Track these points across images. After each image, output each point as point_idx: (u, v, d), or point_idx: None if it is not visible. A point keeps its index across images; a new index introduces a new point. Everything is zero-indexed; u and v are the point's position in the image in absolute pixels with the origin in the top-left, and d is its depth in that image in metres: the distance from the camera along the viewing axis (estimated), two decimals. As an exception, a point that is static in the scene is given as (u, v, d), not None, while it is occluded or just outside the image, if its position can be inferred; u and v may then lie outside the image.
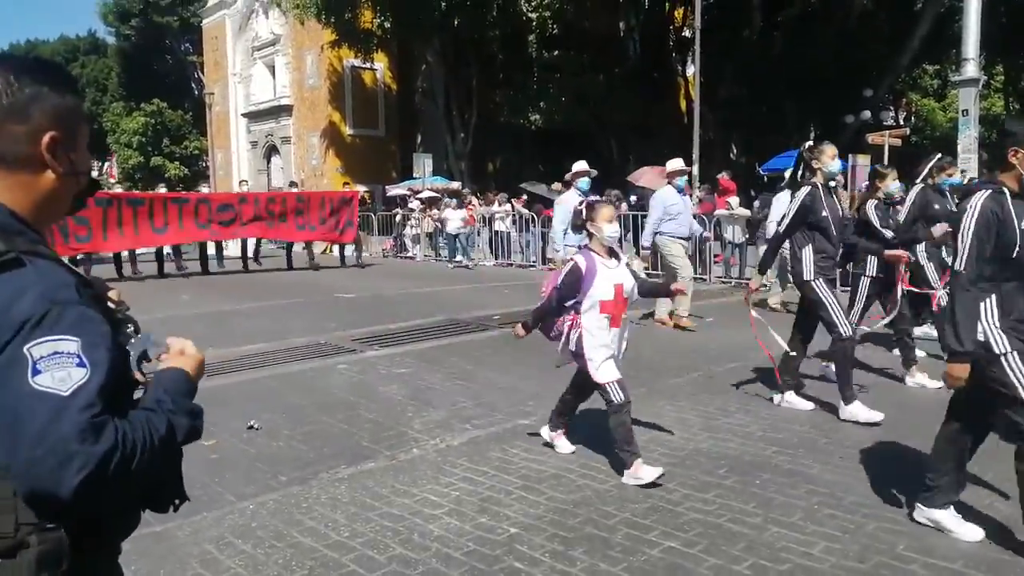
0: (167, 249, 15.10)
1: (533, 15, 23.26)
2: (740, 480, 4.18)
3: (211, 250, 15.91)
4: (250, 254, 16.73)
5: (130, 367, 1.25)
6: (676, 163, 9.59)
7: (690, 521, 3.67)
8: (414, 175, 24.51)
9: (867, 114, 23.21)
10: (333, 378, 6.77)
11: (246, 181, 18.87)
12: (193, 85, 45.22)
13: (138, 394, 1.28)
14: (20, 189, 1.19)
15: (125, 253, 14.80)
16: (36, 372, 1.05)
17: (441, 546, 3.49)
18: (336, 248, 17.58)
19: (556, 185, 18.05)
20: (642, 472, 4.07)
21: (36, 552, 1.08)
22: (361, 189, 21.61)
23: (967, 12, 13.66)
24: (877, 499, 3.91)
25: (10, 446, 1.05)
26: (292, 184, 18.31)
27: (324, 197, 16.93)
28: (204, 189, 16.13)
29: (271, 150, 36.13)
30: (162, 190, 17.65)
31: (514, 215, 17.39)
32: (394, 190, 26.53)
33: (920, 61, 29.07)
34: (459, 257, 17.50)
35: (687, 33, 28.21)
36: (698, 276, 13.57)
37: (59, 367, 1.06)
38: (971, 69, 14.00)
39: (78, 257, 13.05)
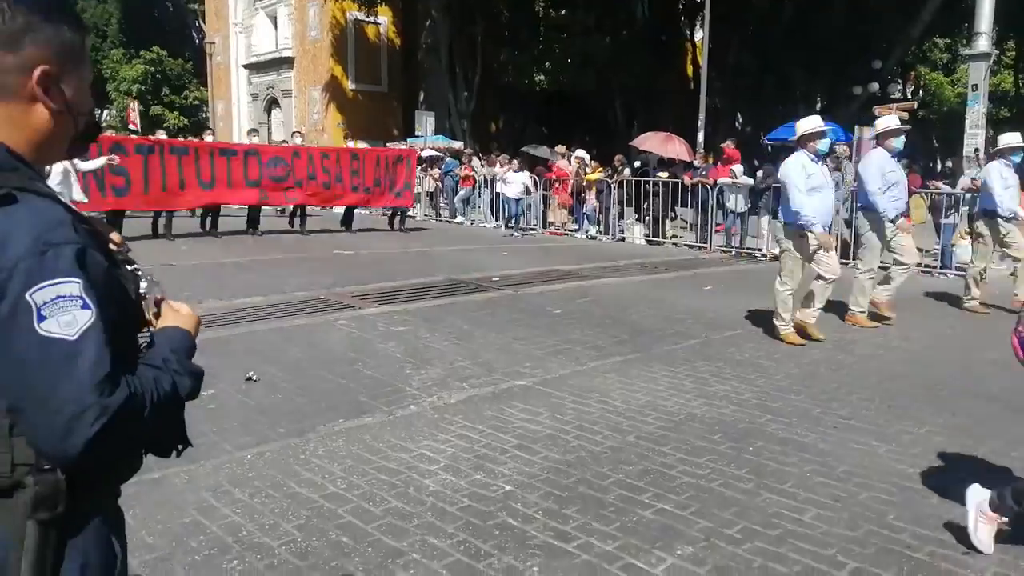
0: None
1: (541, -28, 22.90)
2: (734, 446, 4.22)
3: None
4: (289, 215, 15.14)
5: (131, 307, 1.22)
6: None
7: (683, 484, 3.71)
8: (416, 133, 24.31)
9: (875, 86, 23.00)
10: (332, 333, 6.78)
11: (256, 131, 17.18)
12: (194, 34, 44.56)
13: (143, 338, 1.26)
14: (12, 124, 1.14)
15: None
16: (41, 318, 1.02)
17: (436, 501, 3.52)
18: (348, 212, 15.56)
19: (560, 148, 17.92)
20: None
21: (32, 493, 1.07)
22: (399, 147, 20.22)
23: (982, -15, 13.44)
24: (869, 469, 3.95)
25: (20, 393, 1.04)
26: (295, 134, 16.54)
27: (379, 155, 15.40)
28: (208, 138, 14.57)
29: (272, 103, 35.77)
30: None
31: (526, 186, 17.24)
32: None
33: (930, 34, 28.71)
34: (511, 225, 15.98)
35: (696, -3, 27.81)
36: (699, 244, 13.58)
37: (64, 311, 1.03)
38: (983, 43, 13.83)
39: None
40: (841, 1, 23.10)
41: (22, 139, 1.15)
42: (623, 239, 14.75)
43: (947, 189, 11.48)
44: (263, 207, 14.17)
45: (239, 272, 9.97)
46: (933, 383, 5.58)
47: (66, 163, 7.73)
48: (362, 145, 17.08)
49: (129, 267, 1.25)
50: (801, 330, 6.76)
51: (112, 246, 1.25)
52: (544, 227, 16.39)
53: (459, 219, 17.93)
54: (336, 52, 31.85)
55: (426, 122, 23.13)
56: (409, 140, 26.05)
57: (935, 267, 11.16)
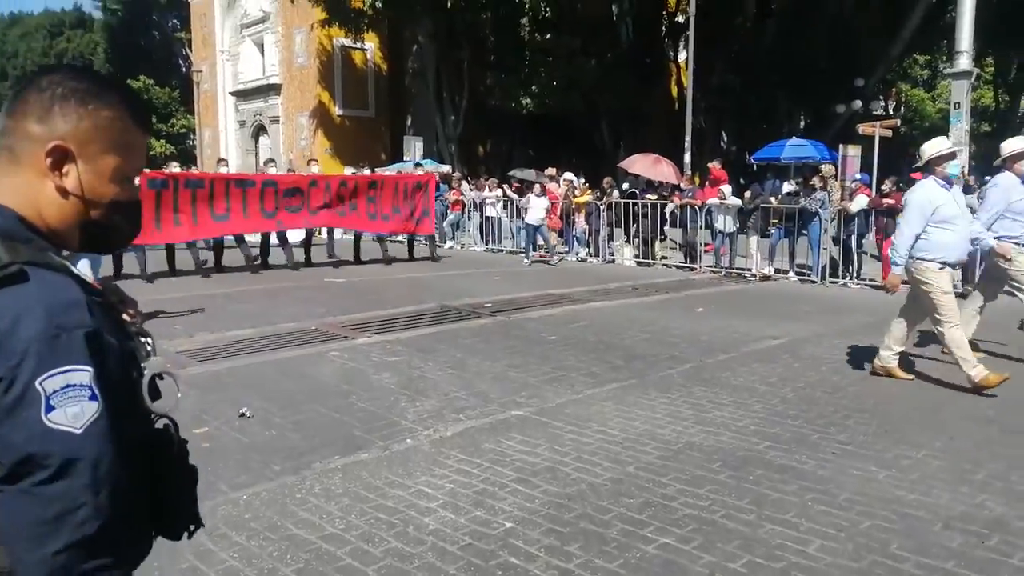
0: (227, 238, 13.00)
1: (526, -2, 23.14)
2: (734, 475, 4.20)
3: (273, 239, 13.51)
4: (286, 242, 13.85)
5: (140, 381, 1.17)
6: (1017, 143, 6.76)
7: (685, 517, 3.68)
8: (404, 158, 24.37)
9: (858, 104, 23.29)
10: (325, 365, 6.73)
11: (273, 160, 16.10)
12: (180, 62, 44.66)
13: (159, 423, 1.22)
14: (31, 195, 1.12)
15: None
16: (49, 409, 0.99)
17: (436, 540, 3.48)
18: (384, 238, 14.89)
19: (549, 170, 18.00)
20: None
21: None
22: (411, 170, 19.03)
23: (961, 4, 13.66)
24: (870, 496, 3.94)
25: (10, 481, 0.99)
26: (269, 162, 15.37)
27: (398, 182, 14.79)
28: (224, 169, 14.00)
29: (259, 129, 35.80)
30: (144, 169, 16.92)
31: (505, 200, 17.33)
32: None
33: (911, 51, 29.13)
34: (534, 251, 15.06)
35: (680, 19, 28.13)
36: (688, 266, 13.63)
37: (72, 402, 1.00)
38: (964, 62, 14.03)
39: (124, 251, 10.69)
40: (823, 21, 23.42)
41: (36, 209, 1.13)
42: (613, 261, 14.79)
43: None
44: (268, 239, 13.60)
45: (229, 303, 9.91)
46: (929, 406, 5.58)
47: None
48: (349, 171, 16.76)
49: (144, 342, 1.21)
50: (886, 369, 6.25)
51: (126, 316, 1.21)
52: (534, 250, 16.42)
53: (448, 244, 17.92)
54: (323, 78, 31.96)
55: (414, 147, 23.20)
56: (396, 164, 26.14)
57: (924, 284, 11.21)
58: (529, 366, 6.67)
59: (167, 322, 8.38)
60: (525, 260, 14.86)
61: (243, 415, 5.27)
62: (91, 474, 1.01)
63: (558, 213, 16.19)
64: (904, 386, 6.09)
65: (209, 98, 37.19)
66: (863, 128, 17.61)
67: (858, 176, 13.70)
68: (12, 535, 1.00)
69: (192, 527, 1.29)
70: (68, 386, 1.00)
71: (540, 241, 15.19)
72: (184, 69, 43.35)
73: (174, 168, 13.20)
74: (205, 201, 11.91)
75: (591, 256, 15.20)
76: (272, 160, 15.91)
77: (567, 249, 15.75)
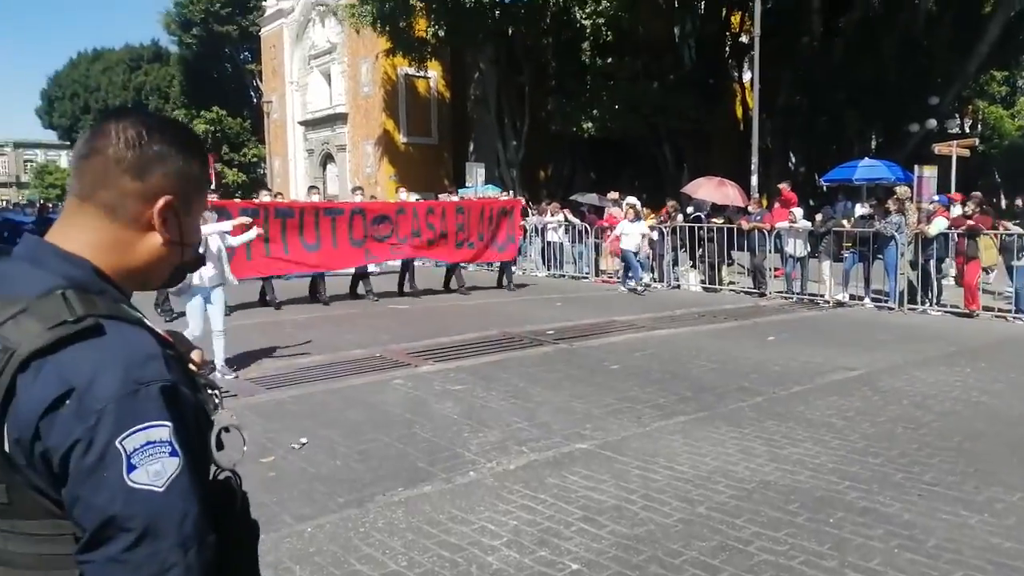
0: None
1: (587, 22, 23.14)
2: (812, 518, 3.99)
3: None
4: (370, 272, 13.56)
5: (209, 434, 1.13)
6: None
7: (761, 563, 3.50)
8: (466, 184, 24.57)
9: (932, 123, 22.47)
10: (388, 394, 6.73)
11: (360, 188, 15.71)
12: (252, 93, 46.19)
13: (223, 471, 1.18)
14: (119, 248, 1.11)
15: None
16: (131, 468, 0.96)
17: (501, 581, 3.39)
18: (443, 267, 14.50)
19: (612, 194, 17.87)
20: None
21: None
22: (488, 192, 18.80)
23: (1044, 18, 13.08)
24: (960, 543, 3.69)
25: (96, 546, 0.96)
26: (357, 190, 15.00)
27: (484, 207, 14.30)
28: (315, 197, 14.01)
29: (327, 158, 36.68)
30: (213, 197, 17.21)
31: (567, 225, 17.25)
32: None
33: (988, 67, 28.07)
34: (631, 280, 14.21)
35: (744, 39, 27.78)
36: (758, 291, 13.29)
37: (153, 459, 0.97)
38: (1048, 77, 13.39)
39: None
40: (893, 38, 22.78)
41: (125, 263, 1.12)
42: (678, 286, 14.52)
43: (1018, 230, 11.02)
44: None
45: (297, 330, 10.05)
46: (1020, 442, 5.25)
47: (219, 242, 7.37)
48: (413, 197, 16.17)
49: (211, 391, 1.18)
50: None
51: (192, 367, 1.18)
52: (596, 275, 16.27)
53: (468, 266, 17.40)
54: (388, 107, 32.59)
55: (476, 173, 23.37)
56: (460, 191, 26.37)
57: (1009, 312, 10.68)
58: (592, 396, 6.54)
59: (237, 346, 8.53)
60: (622, 288, 14.20)
61: (297, 446, 5.29)
62: (177, 533, 0.97)
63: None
64: (992, 422, 5.74)
65: (279, 127, 38.31)
66: (939, 148, 17.00)
67: (936, 197, 13.18)
68: None
69: None
70: (148, 443, 0.97)
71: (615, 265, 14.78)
72: (255, 100, 44.82)
73: (264, 197, 13.19)
74: (295, 230, 11.77)
75: (655, 282, 14.94)
76: (359, 188, 15.83)
77: (646, 279, 14.68)
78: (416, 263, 14.08)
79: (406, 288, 13.49)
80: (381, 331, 9.76)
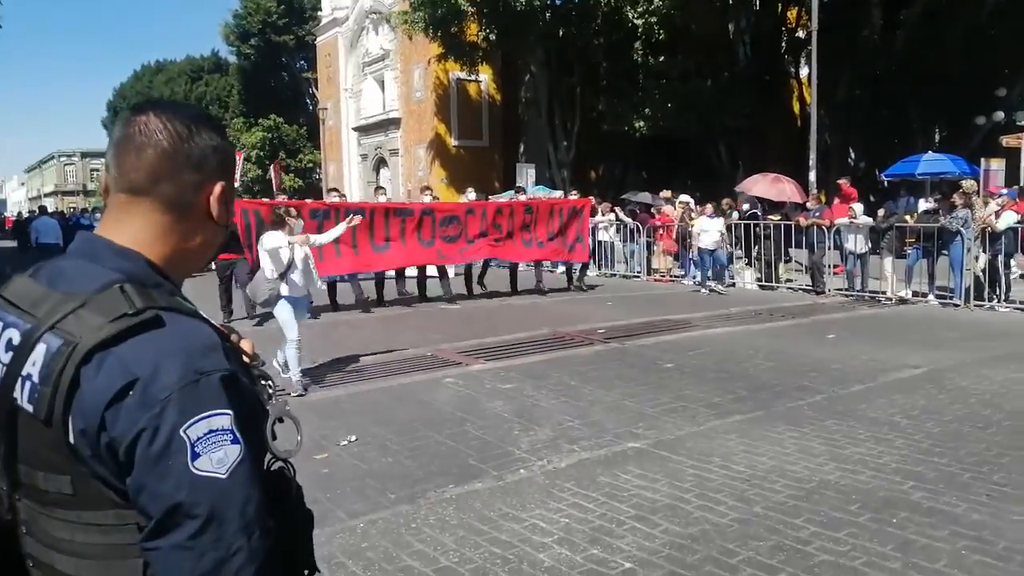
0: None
1: (639, 21, 22.93)
2: (874, 518, 3.86)
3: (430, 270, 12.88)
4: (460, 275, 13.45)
5: (265, 425, 1.13)
6: None
7: (821, 563, 3.39)
8: (517, 184, 24.61)
9: (1000, 115, 21.62)
10: (440, 392, 6.76)
11: (429, 188, 15.10)
12: (307, 100, 47.11)
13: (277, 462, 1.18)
14: (176, 238, 1.14)
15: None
16: (195, 456, 0.98)
17: (552, 578, 3.35)
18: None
19: (665, 192, 17.65)
20: None
21: None
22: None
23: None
24: (1035, 546, 3.52)
25: (162, 533, 0.97)
26: (379, 189, 14.98)
27: (553, 207, 14.06)
28: (382, 198, 13.81)
29: (380, 162, 37.18)
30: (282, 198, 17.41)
31: (618, 224, 17.11)
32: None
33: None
34: (712, 280, 13.70)
35: (800, 34, 27.16)
36: (817, 289, 12.96)
37: (216, 447, 0.99)
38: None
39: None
40: (957, 29, 22.00)
41: (180, 251, 1.14)
42: (733, 284, 14.25)
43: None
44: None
45: (351, 330, 10.19)
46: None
47: (306, 248, 7.02)
48: (472, 196, 16.16)
49: (264, 382, 1.19)
50: None
51: (245, 358, 1.18)
52: (648, 274, 16.10)
53: (560, 268, 17.58)
54: (439, 111, 32.86)
55: (527, 174, 23.38)
56: (510, 192, 26.40)
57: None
58: (645, 395, 6.45)
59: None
60: (703, 291, 13.53)
61: (348, 441, 5.34)
62: (240, 519, 0.99)
63: (673, 236, 15.84)
64: (1070, 422, 5.47)
65: (333, 134, 38.98)
66: (1007, 140, 16.37)
67: (1005, 191, 12.67)
68: None
69: (308, 572, 1.23)
70: (211, 431, 0.99)
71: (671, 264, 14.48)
72: (311, 107, 45.69)
73: (335, 198, 13.02)
74: (365, 231, 11.53)
75: (710, 280, 14.69)
76: (428, 188, 15.55)
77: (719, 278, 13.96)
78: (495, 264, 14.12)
79: (476, 290, 13.36)
80: (432, 330, 9.81)
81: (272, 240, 6.74)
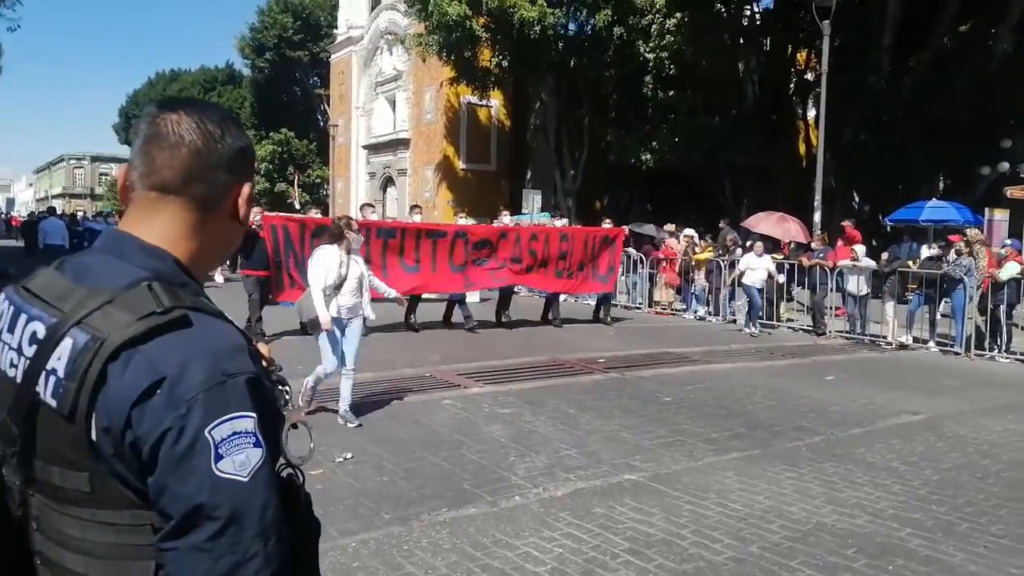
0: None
1: (650, 55, 23.15)
2: (871, 564, 3.83)
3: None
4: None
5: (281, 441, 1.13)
6: None
7: (816, 607, 3.36)
8: (523, 211, 24.67)
9: (1005, 166, 21.73)
10: (438, 413, 6.74)
11: (418, 207, 14.16)
12: (319, 117, 47.42)
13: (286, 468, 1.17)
14: (204, 237, 1.14)
15: None
16: (219, 458, 0.97)
17: (544, 608, 3.32)
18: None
19: (669, 226, 17.69)
20: None
21: None
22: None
23: None
24: (1032, 601, 3.49)
25: (180, 534, 0.97)
26: (415, 208, 13.64)
27: (587, 236, 13.38)
28: (417, 217, 13.00)
29: (387, 181, 37.33)
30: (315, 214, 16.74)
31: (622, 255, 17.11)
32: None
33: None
34: (752, 323, 12.99)
35: (809, 76, 27.40)
36: (817, 330, 12.96)
37: (238, 449, 0.98)
38: None
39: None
40: (965, 78, 22.20)
41: (205, 250, 1.14)
42: (734, 321, 14.25)
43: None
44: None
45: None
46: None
47: (362, 266, 6.50)
48: (469, 221, 15.49)
49: (281, 387, 1.19)
50: None
51: (264, 362, 1.18)
52: (649, 306, 16.10)
53: (563, 298, 17.39)
54: (449, 133, 33.06)
55: (532, 200, 23.44)
56: (516, 217, 26.47)
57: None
58: (643, 427, 6.43)
59: (292, 362, 8.65)
60: (747, 330, 12.87)
61: (342, 459, 5.31)
62: (259, 523, 0.98)
63: (676, 269, 15.86)
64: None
65: (343, 151, 39.18)
66: (1011, 191, 16.45)
67: (1008, 241, 12.71)
68: None
69: None
70: (235, 433, 0.98)
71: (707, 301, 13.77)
72: (322, 123, 45.98)
73: (370, 215, 12.64)
74: (396, 252, 11.19)
75: (711, 315, 14.69)
76: (371, 205, 14.80)
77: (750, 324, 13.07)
78: (517, 290, 13.66)
79: (502, 319, 12.71)
80: (432, 351, 9.79)
81: (326, 256, 6.10)
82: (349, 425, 6.12)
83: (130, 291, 1.02)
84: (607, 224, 12.92)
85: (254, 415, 1.00)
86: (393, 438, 5.91)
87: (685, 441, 6.03)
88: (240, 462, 0.98)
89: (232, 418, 0.98)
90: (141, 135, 1.12)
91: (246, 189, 1.16)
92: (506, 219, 13.98)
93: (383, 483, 4.92)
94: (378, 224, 11.82)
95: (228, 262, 15.01)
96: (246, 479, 0.98)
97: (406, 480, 4.98)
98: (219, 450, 0.97)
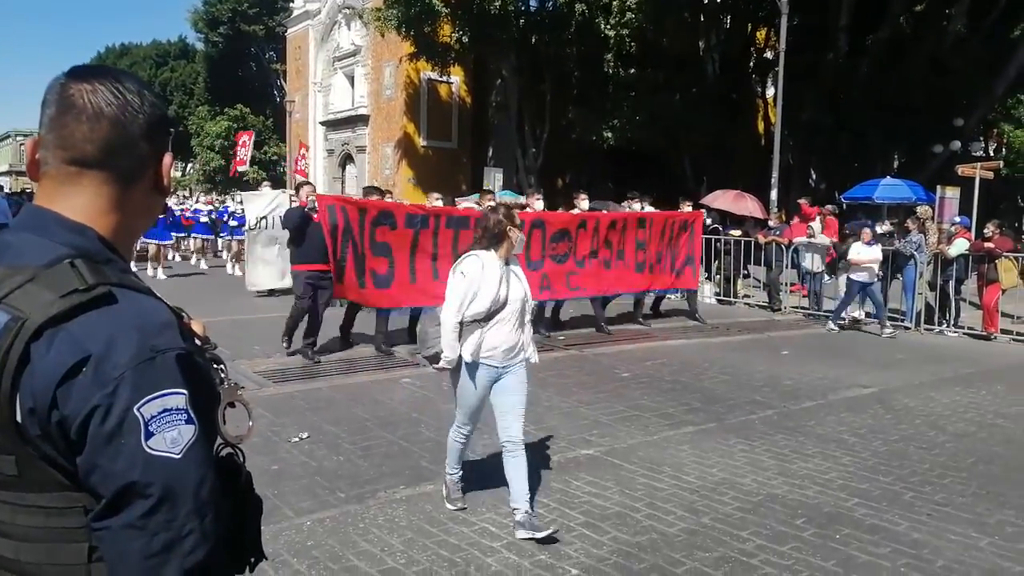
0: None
1: (611, 33, 23.11)
2: (819, 533, 3.92)
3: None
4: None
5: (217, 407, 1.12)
6: None
7: (764, 576, 3.44)
8: (484, 188, 24.58)
9: (957, 144, 22.23)
10: (396, 392, 6.71)
11: (491, 193, 12.59)
12: (275, 92, 46.52)
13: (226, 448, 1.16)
14: (127, 210, 1.10)
15: None
16: (149, 435, 0.95)
17: (499, 582, 3.34)
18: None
19: (631, 197, 17.71)
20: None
21: None
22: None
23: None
24: (969, 566, 3.61)
25: (112, 513, 0.95)
26: (372, 190, 9.97)
27: (667, 221, 11.20)
28: (438, 201, 10.23)
29: (347, 158, 36.85)
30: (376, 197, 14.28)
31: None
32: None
33: (1015, 91, 27.76)
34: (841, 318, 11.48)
35: (768, 55, 27.66)
36: (773, 306, 13.17)
37: (170, 426, 0.97)
38: (1076, 101, 13.19)
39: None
40: (920, 58, 22.60)
41: (128, 225, 1.11)
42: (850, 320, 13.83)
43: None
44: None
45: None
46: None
47: (525, 284, 4.09)
48: (438, 202, 10.73)
49: (216, 365, 1.17)
50: None
51: (197, 341, 1.16)
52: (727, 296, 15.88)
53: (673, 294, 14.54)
54: (409, 110, 32.70)
55: (494, 177, 23.38)
56: (475, 195, 26.36)
57: (1029, 335, 10.51)
58: (601, 403, 6.48)
59: (248, 342, 8.55)
60: (830, 324, 11.30)
61: (297, 439, 5.27)
62: (194, 500, 0.98)
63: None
64: (1007, 445, 5.63)
65: (300, 127, 38.53)
66: (963, 169, 16.79)
67: (958, 219, 13.01)
68: (123, 571, 0.96)
69: (254, 559, 1.22)
70: (165, 411, 0.97)
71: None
72: (278, 99, 45.11)
73: (436, 201, 10.03)
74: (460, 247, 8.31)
75: (670, 293, 14.80)
76: (490, 191, 12.78)
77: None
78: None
79: (544, 333, 9.47)
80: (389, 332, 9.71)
81: (481, 270, 3.96)
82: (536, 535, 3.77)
83: (52, 269, 0.99)
84: (583, 200, 10.95)
85: (185, 392, 0.99)
86: (350, 417, 5.87)
87: (641, 416, 6.10)
88: (172, 439, 0.97)
89: (162, 395, 0.97)
90: (52, 107, 1.07)
91: (167, 159, 1.14)
92: (437, 202, 10.39)
93: (339, 462, 4.89)
94: (447, 211, 9.15)
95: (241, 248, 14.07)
96: (178, 456, 0.97)
97: (363, 459, 4.96)
98: (149, 427, 0.95)
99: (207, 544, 0.98)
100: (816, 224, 13.40)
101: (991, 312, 10.78)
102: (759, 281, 14.77)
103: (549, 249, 9.57)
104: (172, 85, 49.22)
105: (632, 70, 25.90)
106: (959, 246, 11.23)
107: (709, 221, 15.52)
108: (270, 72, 46.46)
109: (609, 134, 25.25)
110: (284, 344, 8.08)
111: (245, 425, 1.19)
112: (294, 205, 7.81)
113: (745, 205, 16.16)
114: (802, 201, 15.25)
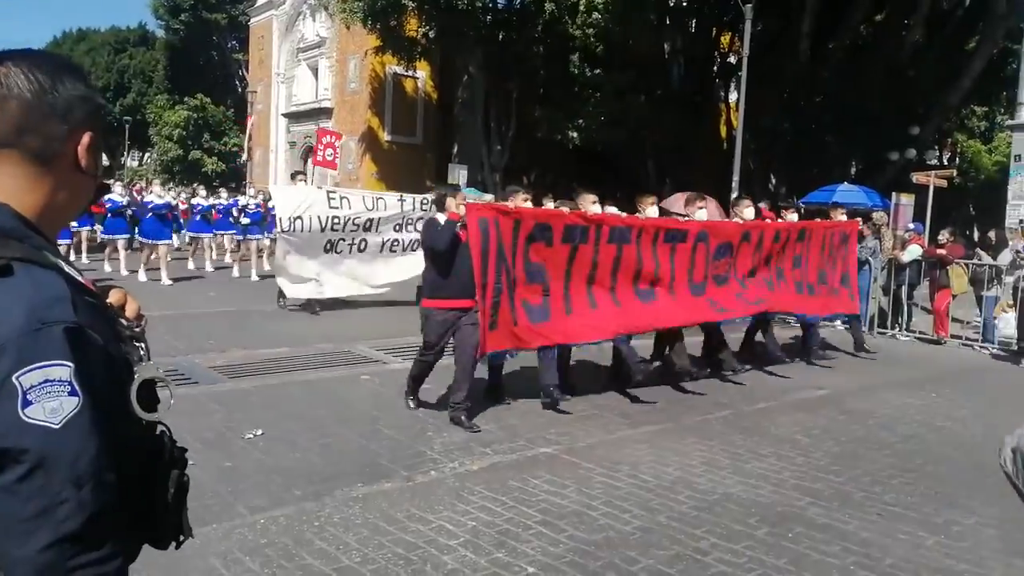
0: None
1: (577, 32, 23.19)
2: (772, 532, 3.98)
3: None
4: None
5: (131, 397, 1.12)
6: None
7: (717, 574, 3.47)
8: (449, 183, 24.51)
9: (912, 152, 22.77)
10: (356, 389, 6.66)
11: (303, 174, 12.12)
12: (237, 83, 45.82)
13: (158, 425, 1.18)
14: (44, 189, 1.12)
15: None
16: (27, 404, 0.97)
17: (455, 581, 3.33)
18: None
19: (591, 196, 17.81)
20: None
21: None
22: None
23: (1025, 55, 13.31)
24: (917, 564, 3.69)
25: None
26: (514, 190, 6.89)
27: (826, 232, 9.38)
28: (652, 211, 7.81)
29: (309, 151, 36.39)
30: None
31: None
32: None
33: (969, 102, 28.54)
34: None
35: (732, 59, 28.00)
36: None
37: (50, 397, 0.98)
38: (1025, 113, 13.62)
39: None
40: (878, 68, 23.08)
41: (48, 205, 1.13)
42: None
43: (990, 260, 11.17)
44: None
45: (265, 320, 9.92)
46: (981, 467, 5.27)
47: None
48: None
49: (136, 343, 1.18)
50: None
51: (123, 320, 1.18)
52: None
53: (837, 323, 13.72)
54: (374, 104, 32.44)
55: (459, 174, 23.33)
56: (468, 191, 26.19)
57: (976, 341, 10.80)
58: (561, 402, 6.49)
59: (201, 337, 8.41)
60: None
61: (250, 436, 5.19)
62: (70, 469, 0.98)
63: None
64: (955, 447, 5.78)
65: (262, 118, 38.01)
66: (918, 177, 17.20)
67: (911, 225, 13.32)
68: None
69: (181, 537, 1.25)
70: (46, 381, 0.99)
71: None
72: (240, 89, 44.45)
73: (524, 201, 6.66)
74: (631, 266, 7.00)
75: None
76: (302, 173, 11.89)
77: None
78: None
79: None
80: (351, 326, 9.65)
81: None
82: None
83: None
84: (549, 202, 9.45)
85: (71, 364, 1.00)
86: (308, 414, 5.81)
87: (601, 415, 6.14)
88: (51, 409, 0.98)
89: (44, 366, 0.98)
90: None
91: (86, 138, 1.14)
92: (300, 185, 10.64)
93: (296, 459, 4.83)
94: (610, 220, 7.04)
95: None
96: (57, 426, 0.98)
97: (320, 456, 4.91)
98: (28, 396, 0.97)
99: (84, 513, 0.98)
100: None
101: (942, 317, 11.06)
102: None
103: (711, 268, 7.78)
104: (130, 72, 48.23)
105: (598, 71, 26.03)
106: (912, 252, 11.49)
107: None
108: (232, 62, 45.76)
109: (574, 134, 25.38)
110: (411, 405, 6.18)
111: (166, 403, 1.19)
112: (437, 215, 6.04)
113: (705, 209, 16.30)
114: (761, 205, 15.43)
